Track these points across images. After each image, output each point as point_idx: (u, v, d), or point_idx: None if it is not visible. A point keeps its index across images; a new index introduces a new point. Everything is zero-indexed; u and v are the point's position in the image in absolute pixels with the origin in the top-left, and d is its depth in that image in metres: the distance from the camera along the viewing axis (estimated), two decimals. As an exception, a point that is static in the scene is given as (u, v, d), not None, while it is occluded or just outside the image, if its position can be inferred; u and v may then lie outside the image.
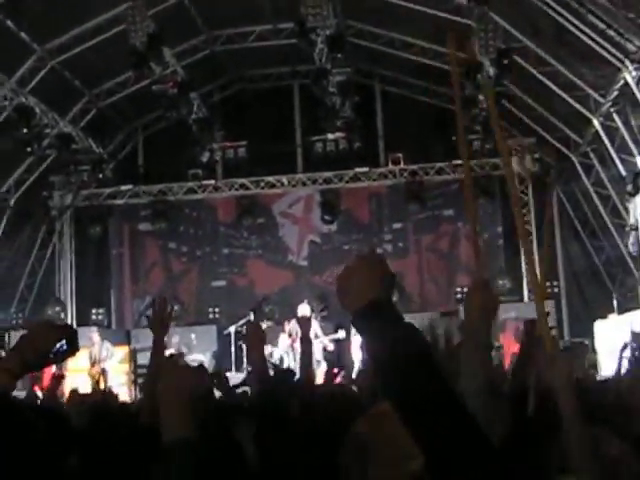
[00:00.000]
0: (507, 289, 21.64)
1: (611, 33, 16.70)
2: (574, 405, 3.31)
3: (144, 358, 20.22)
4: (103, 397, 9.18)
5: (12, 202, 22.13)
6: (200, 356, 20.15)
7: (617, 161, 19.16)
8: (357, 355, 17.66)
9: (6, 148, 19.95)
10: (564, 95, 19.27)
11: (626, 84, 17.53)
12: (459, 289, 21.24)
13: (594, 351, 18.31)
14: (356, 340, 17.89)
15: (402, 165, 22.75)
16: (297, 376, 6.01)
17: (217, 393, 6.32)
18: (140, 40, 18.30)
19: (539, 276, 3.63)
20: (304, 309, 18.06)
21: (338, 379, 8.99)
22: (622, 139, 18.71)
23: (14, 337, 19.57)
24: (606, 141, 19.29)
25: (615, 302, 19.61)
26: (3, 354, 19.49)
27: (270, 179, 23.41)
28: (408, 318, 2.21)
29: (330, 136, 21.58)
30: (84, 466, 3.35)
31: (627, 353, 6.78)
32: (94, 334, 19.12)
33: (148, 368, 4.93)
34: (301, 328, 6.26)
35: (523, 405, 3.81)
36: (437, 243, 23.34)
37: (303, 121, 23.76)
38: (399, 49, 21.09)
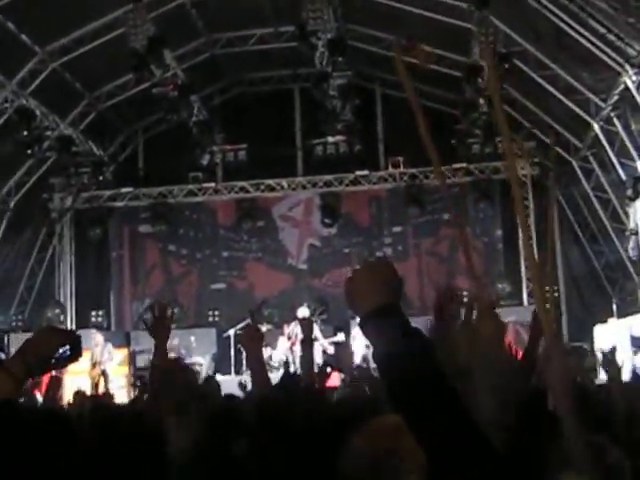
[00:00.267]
0: (507, 293, 21.67)
1: (611, 37, 16.71)
2: (570, 404, 3.31)
3: (143, 360, 20.26)
4: (102, 399, 9.19)
5: (12, 204, 22.13)
6: (199, 359, 20.15)
7: (617, 165, 19.18)
8: (357, 358, 17.68)
9: (6, 150, 19.97)
10: (564, 99, 19.29)
11: (626, 88, 17.53)
12: (459, 293, 21.23)
13: (593, 355, 18.31)
14: (356, 343, 17.91)
15: (402, 169, 22.76)
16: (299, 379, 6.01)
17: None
18: (140, 43, 18.31)
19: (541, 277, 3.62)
20: (304, 312, 18.08)
21: (331, 380, 9.00)
22: (622, 143, 18.72)
23: (14, 339, 19.60)
24: (606, 145, 19.31)
25: (615, 306, 19.62)
26: (2, 356, 19.47)
27: (270, 182, 23.42)
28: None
29: (330, 139, 21.58)
30: (88, 469, 3.35)
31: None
32: (97, 336, 19.15)
33: (150, 373, 4.91)
34: (303, 329, 6.28)
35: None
36: (437, 247, 23.33)
37: (303, 124, 23.76)
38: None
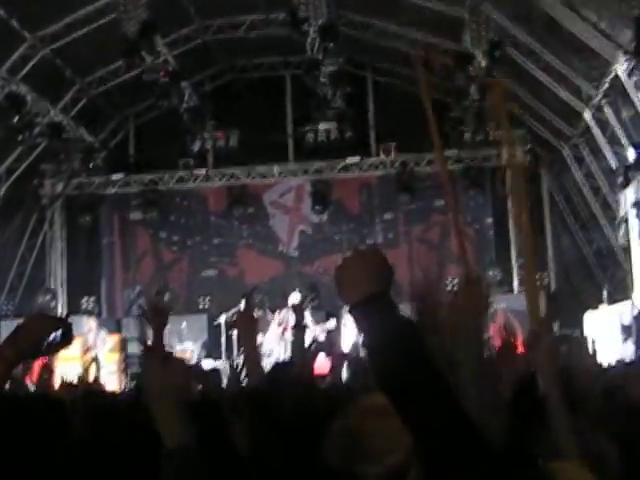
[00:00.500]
0: (497, 280, 21.72)
1: (603, 25, 16.72)
2: (558, 391, 3.35)
3: (134, 347, 20.28)
4: (91, 387, 9.18)
5: (2, 191, 22.07)
6: (190, 345, 20.17)
7: (608, 153, 19.21)
8: (347, 344, 17.68)
9: (-3, 136, 19.94)
10: (556, 87, 19.29)
11: (617, 76, 17.55)
12: (449, 280, 21.24)
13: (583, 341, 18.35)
14: (346, 330, 17.91)
15: (393, 155, 22.76)
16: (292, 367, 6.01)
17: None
18: (132, 29, 18.26)
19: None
20: (295, 298, 18.07)
21: (322, 368, 9.01)
22: (613, 131, 18.76)
23: (4, 326, 19.54)
24: (597, 133, 19.34)
25: (605, 293, 19.66)
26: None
27: (261, 169, 23.41)
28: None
29: (321, 126, 21.58)
30: (83, 456, 3.36)
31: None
32: (91, 321, 19.17)
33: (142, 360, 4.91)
34: (295, 315, 6.28)
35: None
36: (427, 234, 23.33)
37: (294, 111, 23.73)
38: (391, 40, 21.06)
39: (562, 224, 22.10)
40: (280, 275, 23.40)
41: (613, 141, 18.91)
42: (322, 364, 10.34)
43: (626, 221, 18.95)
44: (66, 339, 2.84)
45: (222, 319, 19.39)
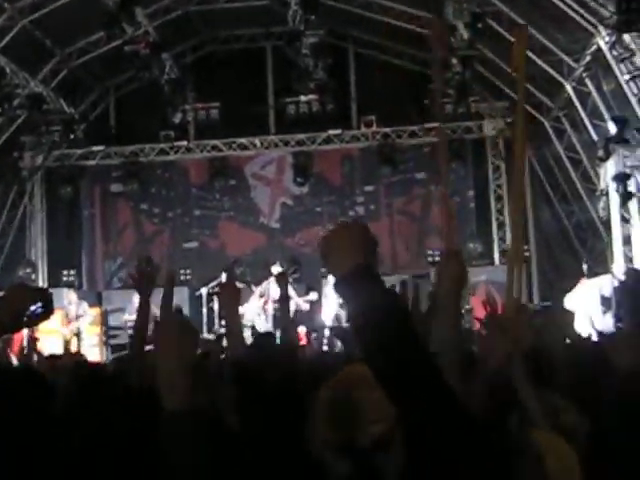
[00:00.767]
0: (478, 253, 21.80)
1: (585, -2, 16.73)
2: (522, 368, 3.41)
3: (115, 320, 20.28)
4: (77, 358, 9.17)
5: (-18, 163, 21.96)
6: (172, 317, 20.17)
7: (589, 126, 19.26)
8: (328, 317, 17.74)
9: (-24, 109, 19.78)
10: (537, 59, 19.29)
11: (599, 49, 17.59)
12: (430, 252, 21.29)
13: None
14: (328, 302, 17.96)
15: (375, 128, 22.75)
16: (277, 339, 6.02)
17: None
18: (112, 0, 18.13)
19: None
20: (277, 270, 18.08)
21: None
22: (594, 104, 18.81)
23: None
24: (578, 106, 19.38)
25: (585, 266, 19.75)
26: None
27: (242, 141, 23.37)
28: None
29: (303, 98, 21.52)
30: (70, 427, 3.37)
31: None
32: (71, 294, 19.15)
33: (134, 328, 4.91)
34: (279, 285, 6.24)
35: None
36: (409, 206, 23.38)
37: (276, 83, 23.66)
38: (373, 11, 20.99)
39: (543, 196, 22.16)
40: (262, 247, 23.40)
41: (594, 114, 18.96)
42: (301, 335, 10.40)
43: (606, 194, 19.02)
44: (46, 311, 2.84)
45: (203, 291, 19.41)
